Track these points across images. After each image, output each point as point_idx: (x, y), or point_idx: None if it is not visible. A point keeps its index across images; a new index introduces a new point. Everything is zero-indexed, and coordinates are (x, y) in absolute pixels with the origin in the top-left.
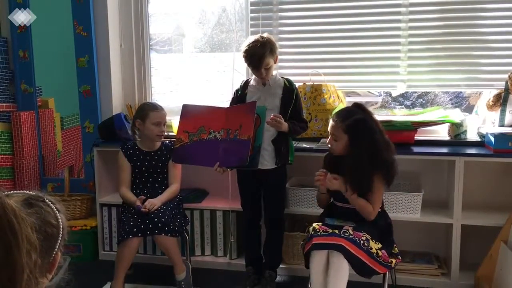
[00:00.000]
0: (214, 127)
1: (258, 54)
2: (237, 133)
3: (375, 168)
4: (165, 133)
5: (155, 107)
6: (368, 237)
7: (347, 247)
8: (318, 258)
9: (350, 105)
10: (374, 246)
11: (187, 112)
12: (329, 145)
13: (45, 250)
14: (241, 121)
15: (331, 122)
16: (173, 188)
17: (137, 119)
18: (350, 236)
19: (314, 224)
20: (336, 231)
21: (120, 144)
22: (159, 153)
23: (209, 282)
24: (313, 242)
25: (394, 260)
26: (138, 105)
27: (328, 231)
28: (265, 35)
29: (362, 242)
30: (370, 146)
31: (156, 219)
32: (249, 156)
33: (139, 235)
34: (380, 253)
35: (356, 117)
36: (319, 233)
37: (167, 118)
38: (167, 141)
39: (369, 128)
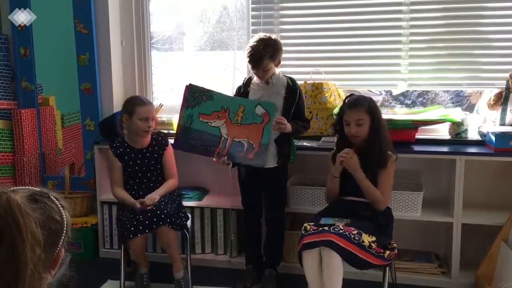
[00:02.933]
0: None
1: (258, 55)
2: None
3: (389, 143)
4: (153, 129)
5: (142, 102)
6: (361, 231)
7: (336, 241)
8: (310, 258)
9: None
10: (367, 239)
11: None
12: (356, 134)
13: (49, 245)
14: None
15: (349, 112)
16: (170, 183)
17: (124, 114)
18: (340, 231)
19: (306, 224)
20: (326, 228)
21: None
22: (151, 149)
23: (209, 280)
24: (303, 242)
25: (388, 252)
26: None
27: (318, 229)
28: (273, 36)
29: (353, 236)
30: (384, 121)
31: (158, 211)
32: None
33: (146, 231)
34: (373, 245)
35: (368, 98)
36: (309, 233)
37: (168, 116)
38: (158, 136)
39: (378, 105)
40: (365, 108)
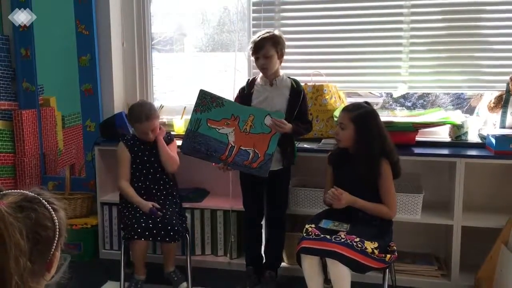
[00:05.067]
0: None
1: (260, 39)
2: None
3: (383, 155)
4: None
5: (139, 119)
6: (363, 238)
7: (340, 251)
8: (309, 263)
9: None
10: (370, 245)
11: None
12: (336, 135)
13: (38, 253)
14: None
15: (339, 113)
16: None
17: (130, 123)
18: (342, 240)
19: (307, 226)
20: (328, 236)
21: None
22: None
23: (209, 281)
24: (302, 245)
25: (389, 255)
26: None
27: (320, 236)
28: (276, 32)
29: (355, 243)
30: (377, 135)
31: (169, 227)
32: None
33: (150, 239)
34: (376, 251)
35: (365, 109)
36: (310, 236)
37: (169, 117)
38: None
39: (376, 120)
40: (351, 115)
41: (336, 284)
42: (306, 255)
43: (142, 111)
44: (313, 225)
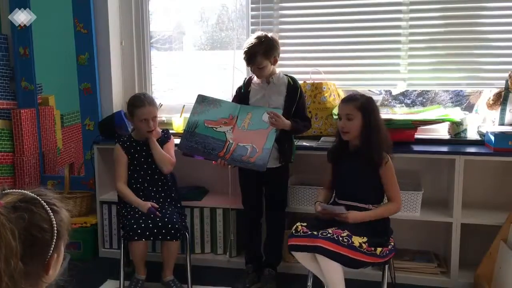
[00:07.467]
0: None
1: (251, 52)
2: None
3: (384, 146)
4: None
5: (142, 103)
6: (351, 233)
7: (325, 246)
8: (300, 258)
9: None
10: (357, 240)
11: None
12: (342, 128)
13: (33, 254)
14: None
15: (341, 106)
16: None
17: (128, 114)
18: (329, 235)
19: (298, 224)
20: (315, 232)
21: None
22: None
23: (208, 280)
24: (289, 243)
25: (380, 249)
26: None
27: (307, 233)
28: (270, 34)
29: (341, 238)
30: (381, 122)
31: (170, 225)
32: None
33: (151, 238)
34: (364, 245)
35: (365, 96)
36: (298, 234)
37: (168, 116)
38: (162, 131)
39: (377, 107)
40: (357, 104)
41: (327, 279)
42: (297, 253)
43: (144, 97)
44: (304, 224)
